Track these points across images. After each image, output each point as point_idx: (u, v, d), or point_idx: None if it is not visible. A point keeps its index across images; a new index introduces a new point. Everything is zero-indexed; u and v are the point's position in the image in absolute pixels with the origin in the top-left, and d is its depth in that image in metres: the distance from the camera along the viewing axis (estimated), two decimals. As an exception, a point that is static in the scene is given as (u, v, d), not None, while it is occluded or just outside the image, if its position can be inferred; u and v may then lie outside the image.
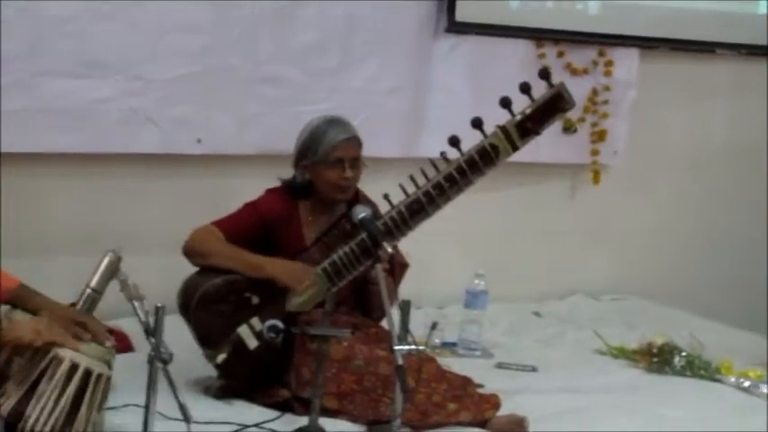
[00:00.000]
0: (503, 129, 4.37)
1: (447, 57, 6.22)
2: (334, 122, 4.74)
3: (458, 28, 6.17)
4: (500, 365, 5.40)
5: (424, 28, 6.18)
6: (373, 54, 6.08)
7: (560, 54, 6.49)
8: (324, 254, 4.62)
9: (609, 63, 6.64)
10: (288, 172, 4.83)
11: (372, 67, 6.08)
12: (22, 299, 3.87)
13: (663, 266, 6.98)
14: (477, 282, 5.57)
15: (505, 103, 4.31)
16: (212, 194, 5.59)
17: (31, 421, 3.51)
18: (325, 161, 4.66)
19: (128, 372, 4.12)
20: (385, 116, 6.07)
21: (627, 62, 6.70)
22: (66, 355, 3.59)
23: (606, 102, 6.65)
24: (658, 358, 5.45)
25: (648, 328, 5.86)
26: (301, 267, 4.57)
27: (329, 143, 4.66)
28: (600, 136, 6.67)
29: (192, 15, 5.54)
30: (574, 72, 6.50)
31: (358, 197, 4.76)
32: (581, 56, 6.56)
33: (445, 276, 6.05)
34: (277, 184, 4.84)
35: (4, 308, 3.84)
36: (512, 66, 6.20)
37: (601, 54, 6.62)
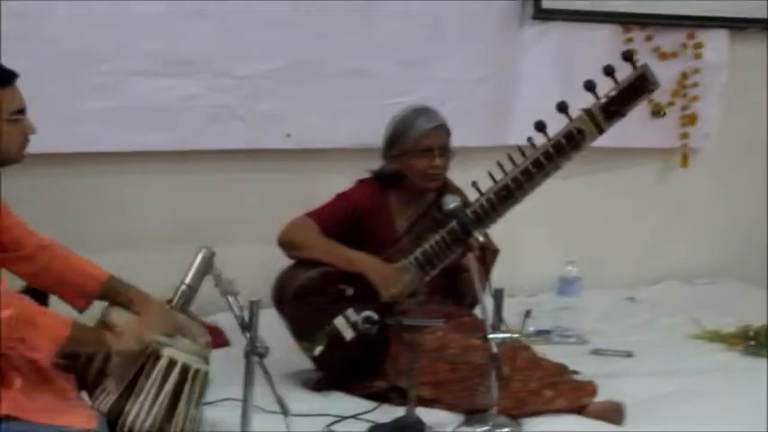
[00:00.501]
0: (588, 112, 4.37)
1: (533, 44, 6.15)
2: (421, 111, 4.71)
3: (544, 15, 6.10)
4: (595, 352, 5.33)
5: (510, 16, 6.11)
6: (459, 44, 6.02)
7: (648, 38, 6.37)
8: (414, 243, 4.61)
9: (698, 45, 6.50)
10: (376, 164, 4.81)
11: (459, 57, 6.03)
12: (114, 292, 3.88)
13: (755, 249, 6.83)
14: (569, 268, 5.52)
15: (590, 86, 4.31)
16: (303, 189, 5.55)
17: (131, 418, 3.51)
18: (413, 150, 4.63)
19: (225, 366, 4.12)
20: (472, 105, 6.02)
21: (716, 44, 6.55)
22: (164, 351, 3.58)
23: (696, 85, 6.52)
24: (755, 341, 5.34)
25: (743, 312, 5.76)
26: (393, 271, 4.55)
27: (417, 132, 4.63)
28: (690, 119, 6.55)
29: (278, 10, 5.51)
30: (662, 56, 6.39)
31: (447, 186, 4.72)
32: (669, 39, 6.43)
33: (537, 264, 6.00)
34: (366, 175, 4.81)
35: (102, 307, 3.86)
36: (599, 51, 6.07)
37: (690, 37, 6.48)
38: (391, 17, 5.81)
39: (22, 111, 3.56)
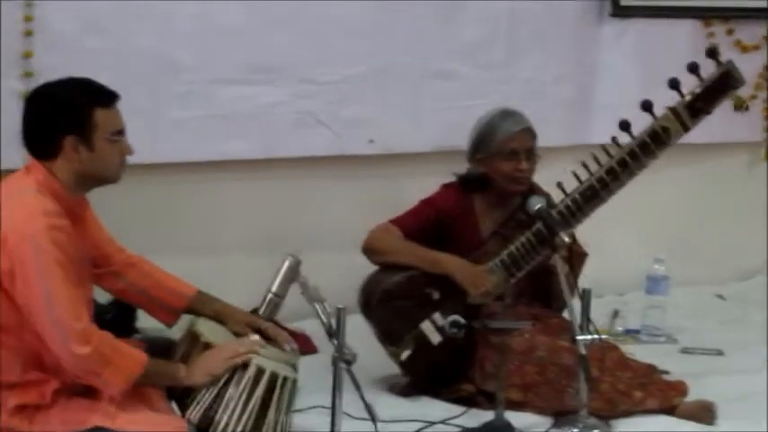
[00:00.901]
0: (673, 110, 4.32)
1: (613, 41, 6.09)
2: (507, 114, 4.66)
3: (623, 12, 6.03)
4: (685, 350, 5.27)
5: (588, 14, 6.06)
6: (538, 43, 5.99)
7: (729, 32, 6.28)
8: (500, 246, 4.57)
9: (781, 37, 6.39)
10: (461, 167, 4.77)
11: (538, 57, 6.00)
12: (201, 305, 3.91)
13: None
14: (657, 267, 5.45)
15: (674, 84, 4.28)
16: (387, 193, 5.52)
17: (221, 426, 3.50)
18: (499, 153, 4.58)
19: (313, 373, 4.09)
20: (552, 105, 5.98)
21: (799, 35, 6.44)
22: (253, 359, 3.57)
23: (779, 77, 6.41)
24: None
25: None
26: (480, 271, 4.50)
27: (503, 135, 4.58)
28: (773, 112, 6.45)
29: (359, 16, 5.50)
30: (744, 49, 6.28)
31: (532, 188, 4.67)
32: (751, 32, 6.33)
33: (625, 263, 5.89)
34: (452, 179, 4.77)
35: (189, 319, 3.87)
36: (680, 47, 6.01)
37: (772, 29, 6.37)
38: (470, 19, 5.79)
39: (121, 132, 3.57)
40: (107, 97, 3.55)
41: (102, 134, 3.50)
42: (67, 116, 3.50)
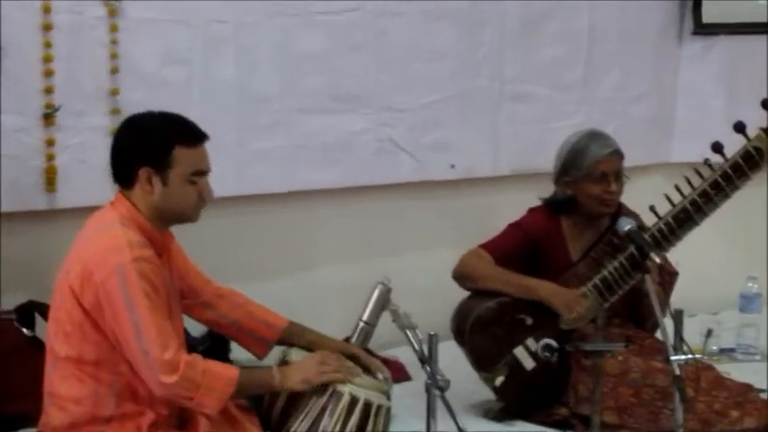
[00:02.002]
0: (766, 131, 4.27)
1: (695, 59, 6.05)
2: (595, 137, 4.60)
3: (706, 29, 5.97)
4: (781, 368, 5.15)
5: (667, 33, 6.05)
6: (616, 63, 5.97)
7: (817, 46, 6.15)
8: (591, 268, 4.53)
9: None
10: (543, 189, 4.72)
11: (616, 76, 5.97)
12: (293, 336, 3.90)
13: None
14: (750, 285, 5.36)
15: (766, 104, 4.21)
16: (470, 217, 5.52)
17: (316, 455, 3.48)
18: (589, 176, 4.52)
19: (407, 400, 4.10)
20: (632, 124, 5.93)
21: None
22: (346, 389, 3.54)
23: None
24: None
25: None
26: (572, 294, 4.45)
27: (593, 158, 4.52)
28: None
29: (437, 42, 5.48)
30: (831, 62, 6.15)
31: (620, 208, 4.61)
32: (837, 44, 6.19)
33: (718, 281, 5.80)
34: (536, 202, 4.72)
35: (282, 349, 3.84)
36: (764, 64, 5.89)
37: None
38: (548, 41, 5.77)
39: (201, 173, 3.55)
40: (192, 136, 3.55)
41: (179, 172, 3.50)
42: (147, 147, 3.51)
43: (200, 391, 3.39)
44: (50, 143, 4.59)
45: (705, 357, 4.65)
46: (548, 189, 4.70)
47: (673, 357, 3.80)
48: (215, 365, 3.51)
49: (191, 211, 3.57)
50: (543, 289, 4.47)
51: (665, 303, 4.20)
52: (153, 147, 3.50)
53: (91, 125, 4.65)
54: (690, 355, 3.89)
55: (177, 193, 3.51)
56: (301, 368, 3.60)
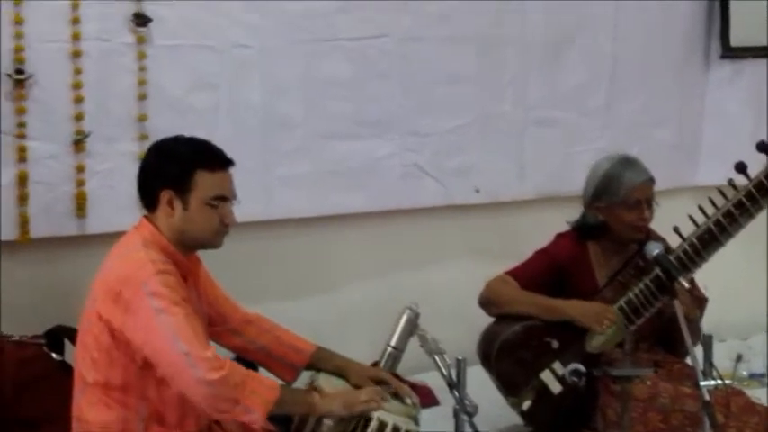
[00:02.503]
0: None
1: (723, 83, 6.03)
2: (628, 164, 4.54)
3: (734, 53, 5.96)
4: (812, 393, 5.10)
5: (694, 57, 6.03)
6: (640, 88, 5.95)
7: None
8: (617, 292, 4.48)
9: None
10: (568, 212, 4.68)
11: (640, 101, 5.96)
12: (321, 361, 3.85)
13: None
14: (779, 308, 5.32)
15: None
16: (495, 241, 5.49)
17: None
18: (624, 203, 4.48)
19: (435, 426, 4.07)
20: (656, 148, 5.90)
21: None
22: (374, 414, 3.50)
23: None
24: None
25: None
26: (599, 306, 4.42)
27: (628, 185, 4.47)
28: None
29: (461, 66, 5.48)
30: None
31: (648, 233, 4.56)
32: None
33: (747, 306, 5.76)
34: (562, 225, 4.69)
35: (310, 374, 3.82)
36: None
37: None
38: (572, 66, 5.76)
39: (223, 198, 3.53)
40: (214, 161, 3.52)
41: (200, 195, 3.48)
42: (168, 170, 3.49)
43: (245, 392, 3.31)
44: (80, 169, 4.61)
45: (735, 383, 4.62)
46: (572, 212, 4.67)
47: (702, 383, 3.76)
48: (257, 373, 3.47)
49: (211, 235, 3.54)
50: (569, 307, 4.44)
51: (694, 329, 4.16)
52: (175, 169, 3.48)
53: (120, 151, 4.67)
54: (719, 381, 3.86)
55: (197, 216, 3.49)
56: (344, 395, 3.56)
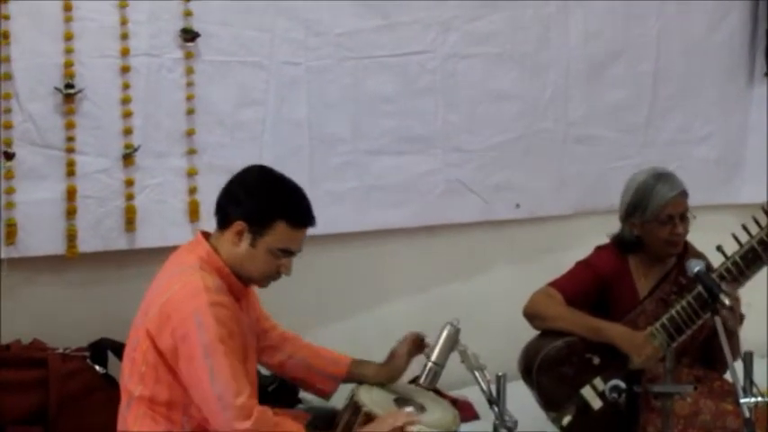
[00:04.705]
0: None
1: (765, 101, 5.90)
2: (661, 178, 4.44)
3: (778, 72, 5.86)
4: None
5: (736, 74, 5.96)
6: (680, 105, 5.88)
7: None
8: (657, 306, 4.39)
9: None
10: (607, 226, 4.58)
11: (680, 119, 5.88)
12: (358, 373, 3.81)
13: None
14: (819, 325, 5.18)
15: None
16: (535, 255, 5.46)
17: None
18: (656, 219, 4.37)
19: (477, 441, 3.96)
20: (696, 164, 5.82)
21: None
22: (415, 428, 3.42)
23: None
24: None
25: None
26: (641, 337, 4.29)
27: (660, 201, 4.37)
28: None
29: (504, 84, 5.42)
30: None
31: (687, 248, 4.46)
32: None
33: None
34: (602, 239, 4.58)
35: (351, 389, 3.75)
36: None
37: None
38: (613, 83, 5.69)
39: (290, 253, 3.47)
40: (300, 219, 3.48)
41: (270, 242, 3.42)
42: (253, 205, 3.42)
43: None
44: (129, 183, 4.55)
45: (776, 400, 4.53)
46: (610, 226, 4.56)
47: (743, 400, 3.67)
48: (286, 420, 3.41)
49: (263, 279, 3.50)
50: (612, 331, 4.32)
51: (735, 346, 4.05)
52: (259, 208, 3.42)
53: (169, 166, 4.62)
54: (760, 398, 3.76)
55: (259, 258, 3.43)
56: (374, 426, 3.48)
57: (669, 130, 5.83)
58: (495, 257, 5.55)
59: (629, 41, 5.68)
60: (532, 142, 5.53)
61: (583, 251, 4.59)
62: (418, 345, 3.80)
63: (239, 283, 3.46)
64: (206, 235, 3.50)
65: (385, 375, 3.80)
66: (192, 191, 4.62)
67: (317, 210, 4.86)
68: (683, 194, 4.41)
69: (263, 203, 3.42)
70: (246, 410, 3.25)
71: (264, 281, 3.51)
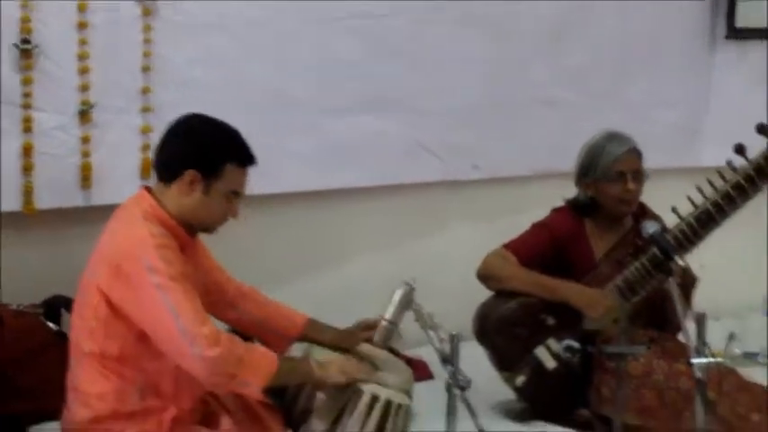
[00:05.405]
0: None
1: (727, 64, 5.96)
2: (612, 137, 4.53)
3: (739, 34, 5.87)
4: (806, 372, 5.05)
5: (698, 37, 5.95)
6: (645, 69, 5.88)
7: None
8: (613, 269, 4.45)
9: None
10: (567, 189, 4.63)
11: (643, 82, 5.89)
12: (314, 332, 3.83)
13: None
14: (775, 288, 5.26)
15: None
16: (493, 217, 5.47)
17: (336, 454, 3.41)
18: (606, 176, 4.44)
19: (429, 399, 4.01)
20: (660, 129, 5.84)
21: None
22: (367, 387, 3.47)
23: None
24: None
25: None
26: (597, 293, 4.37)
27: (609, 158, 4.45)
28: None
29: (467, 47, 5.41)
30: None
31: (643, 210, 4.53)
32: None
33: (744, 286, 5.69)
34: (559, 203, 4.65)
35: (304, 346, 3.78)
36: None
37: None
38: (578, 47, 5.70)
39: (238, 194, 3.50)
40: (246, 158, 3.50)
41: (223, 186, 3.44)
42: (202, 153, 3.44)
43: (244, 366, 3.28)
44: (86, 140, 4.54)
45: (728, 361, 4.59)
46: (573, 189, 4.62)
47: (695, 361, 3.72)
48: (256, 345, 3.44)
49: (215, 224, 3.52)
50: (567, 290, 4.39)
51: (687, 307, 4.11)
52: (207, 155, 3.44)
53: (125, 123, 4.61)
54: (711, 359, 3.81)
55: (213, 204, 3.45)
56: (342, 363, 3.53)
57: (632, 93, 5.84)
58: (454, 218, 5.57)
59: (593, 4, 5.67)
60: (494, 105, 5.53)
61: (543, 213, 4.65)
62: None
63: (185, 235, 3.47)
64: (149, 189, 3.51)
65: (339, 343, 3.80)
66: (146, 148, 4.60)
67: (278, 170, 4.95)
68: (634, 151, 4.47)
69: (212, 150, 3.45)
70: (213, 337, 3.26)
71: (215, 226, 3.53)
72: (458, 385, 3.41)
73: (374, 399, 3.45)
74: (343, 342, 3.77)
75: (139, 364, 3.39)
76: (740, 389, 4.29)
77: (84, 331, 3.40)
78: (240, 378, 3.29)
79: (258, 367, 3.32)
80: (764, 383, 4.44)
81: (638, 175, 4.47)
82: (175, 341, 3.27)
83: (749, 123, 4.19)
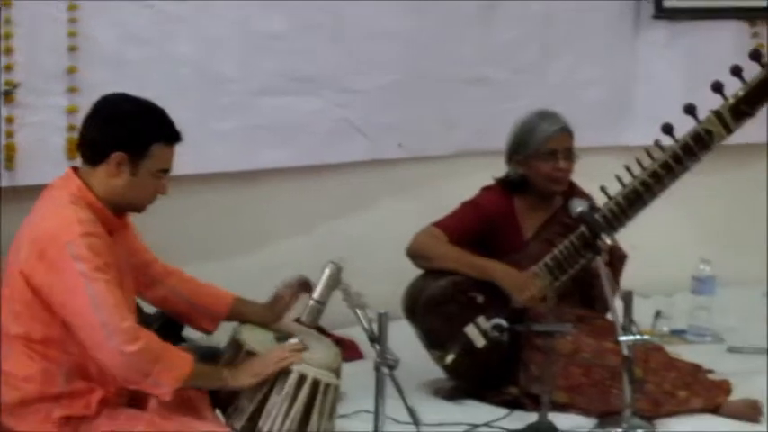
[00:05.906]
0: (716, 113, 4.27)
1: (654, 43, 5.99)
2: (544, 115, 4.57)
3: (666, 14, 5.91)
4: (732, 349, 5.16)
5: (626, 16, 5.98)
6: (571, 47, 5.92)
7: (775, 33, 6.08)
8: (542, 248, 4.49)
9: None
10: (496, 168, 4.68)
11: (570, 60, 5.92)
12: (240, 312, 3.84)
13: None
14: (702, 267, 5.36)
15: (717, 87, 4.23)
16: (421, 196, 5.52)
17: (264, 433, 3.43)
18: (537, 154, 4.49)
19: (359, 379, 4.03)
20: (587, 107, 5.82)
21: None
22: (294, 367, 3.49)
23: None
24: None
25: None
26: (524, 276, 4.42)
27: (541, 135, 4.50)
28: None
29: (393, 23, 5.42)
30: (790, 51, 6.09)
31: (573, 189, 4.58)
32: (797, 33, 6.14)
33: (671, 264, 5.76)
34: (489, 182, 4.69)
35: (233, 327, 3.80)
36: (725, 49, 5.81)
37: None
38: (504, 24, 5.73)
39: (167, 171, 3.50)
40: (171, 136, 3.49)
41: (151, 166, 3.43)
42: (128, 134, 3.42)
43: (159, 365, 3.30)
44: (10, 121, 4.52)
45: (655, 338, 4.68)
46: (500, 168, 4.67)
47: (622, 338, 3.80)
48: (173, 346, 3.45)
49: (145, 204, 3.52)
50: (496, 270, 4.43)
51: (615, 285, 4.19)
52: (134, 136, 3.42)
53: (50, 103, 4.60)
54: (639, 336, 3.89)
55: (142, 184, 3.44)
56: (252, 365, 3.53)
57: (559, 71, 5.88)
58: (381, 197, 5.59)
59: (520, -20, 5.70)
60: (420, 83, 5.54)
61: (470, 192, 4.69)
62: (303, 287, 3.83)
63: (113, 217, 3.46)
64: (75, 170, 3.50)
65: (268, 316, 3.83)
66: (72, 128, 4.57)
67: (204, 149, 4.96)
68: (566, 130, 4.53)
69: (138, 131, 3.43)
70: (132, 333, 3.28)
71: (145, 206, 3.53)
72: (386, 364, 3.47)
73: (302, 378, 3.46)
74: (272, 313, 3.81)
75: (65, 346, 3.38)
76: (667, 366, 4.37)
77: (10, 314, 3.40)
78: (154, 377, 3.31)
79: (172, 368, 3.34)
80: (692, 360, 4.54)
81: (570, 154, 4.53)
82: (94, 332, 3.28)
83: (677, 103, 4.27)
